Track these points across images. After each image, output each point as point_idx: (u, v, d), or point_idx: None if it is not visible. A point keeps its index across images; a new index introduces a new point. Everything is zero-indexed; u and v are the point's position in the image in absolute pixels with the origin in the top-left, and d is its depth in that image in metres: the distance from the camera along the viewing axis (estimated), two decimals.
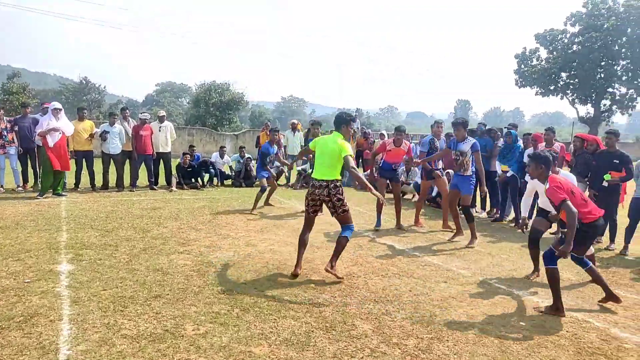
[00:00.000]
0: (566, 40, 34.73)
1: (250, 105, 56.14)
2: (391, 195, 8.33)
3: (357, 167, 14.78)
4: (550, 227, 5.79)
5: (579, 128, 37.62)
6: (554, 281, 4.21)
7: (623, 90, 34.16)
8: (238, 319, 3.79)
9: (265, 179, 9.04)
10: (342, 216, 4.94)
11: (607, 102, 34.73)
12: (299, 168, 12.89)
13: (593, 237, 4.52)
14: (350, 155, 4.86)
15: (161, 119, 11.41)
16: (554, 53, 35.08)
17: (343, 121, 5.01)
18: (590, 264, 4.51)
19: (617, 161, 6.76)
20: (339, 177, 4.96)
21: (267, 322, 3.75)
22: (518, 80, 37.01)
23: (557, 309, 4.18)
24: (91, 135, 10.39)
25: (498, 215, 8.90)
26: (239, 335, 3.50)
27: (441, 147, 7.81)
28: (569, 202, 4.07)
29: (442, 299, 4.49)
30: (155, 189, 10.97)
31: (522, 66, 36.52)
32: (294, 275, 4.88)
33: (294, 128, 13.57)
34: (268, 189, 9.20)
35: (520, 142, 8.68)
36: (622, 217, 6.92)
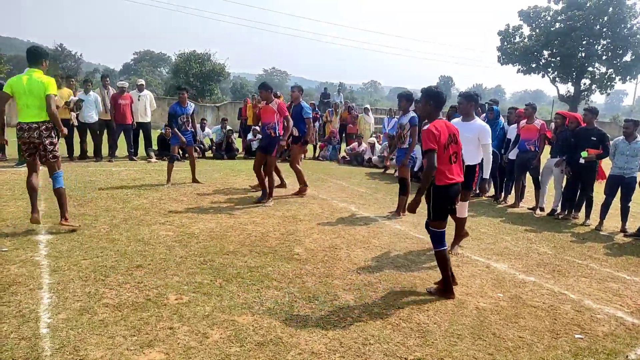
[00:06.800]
0: (549, 18, 34.79)
1: (231, 77, 55.19)
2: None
3: (341, 141, 14.86)
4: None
5: (559, 106, 38.08)
6: None
7: (602, 69, 34.53)
8: (221, 288, 3.80)
9: (175, 147, 8.15)
10: (51, 163, 5.03)
11: (587, 81, 35.12)
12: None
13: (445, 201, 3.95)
14: (55, 94, 4.94)
15: (140, 88, 11.13)
16: (537, 31, 35.15)
17: (42, 55, 5.11)
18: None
19: (595, 138, 6.87)
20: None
21: (250, 292, 3.77)
22: (501, 57, 37.09)
23: None
24: (67, 104, 10.09)
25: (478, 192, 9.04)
26: (222, 304, 3.51)
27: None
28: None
29: (422, 270, 4.57)
30: (135, 160, 10.78)
31: (505, 43, 36.54)
32: (33, 221, 4.95)
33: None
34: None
35: (502, 119, 8.74)
36: (599, 195, 7.09)
